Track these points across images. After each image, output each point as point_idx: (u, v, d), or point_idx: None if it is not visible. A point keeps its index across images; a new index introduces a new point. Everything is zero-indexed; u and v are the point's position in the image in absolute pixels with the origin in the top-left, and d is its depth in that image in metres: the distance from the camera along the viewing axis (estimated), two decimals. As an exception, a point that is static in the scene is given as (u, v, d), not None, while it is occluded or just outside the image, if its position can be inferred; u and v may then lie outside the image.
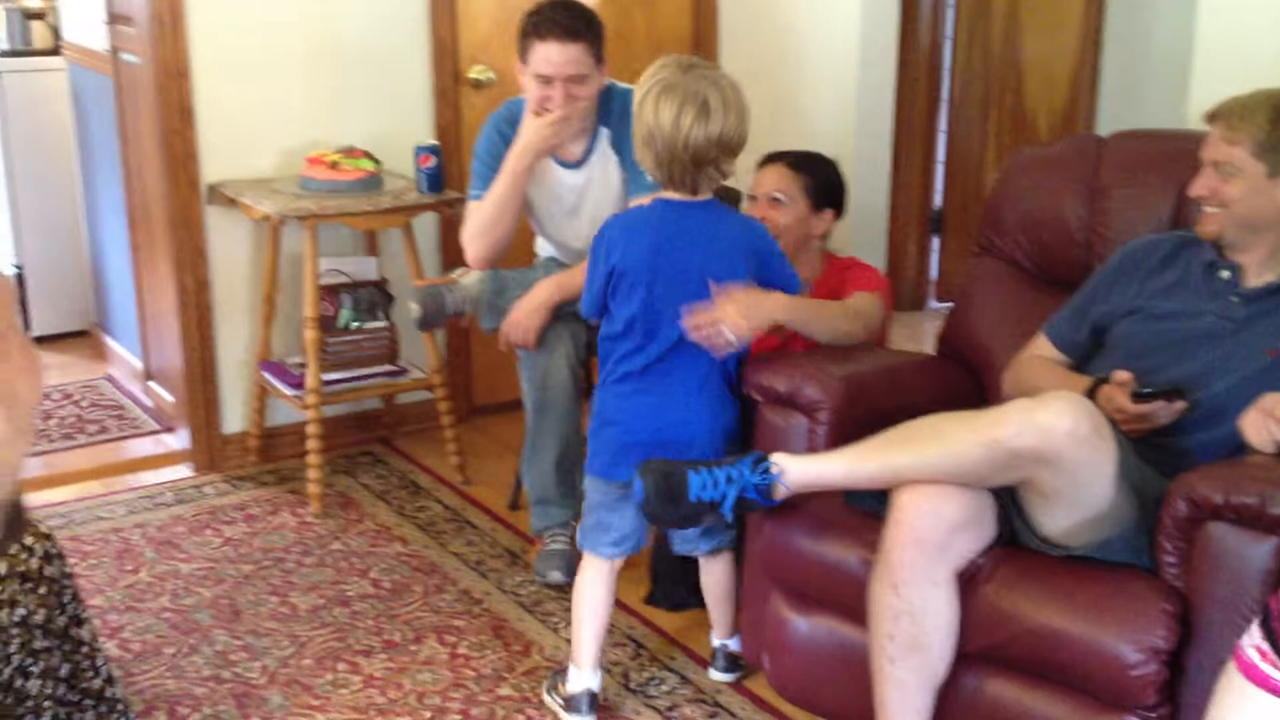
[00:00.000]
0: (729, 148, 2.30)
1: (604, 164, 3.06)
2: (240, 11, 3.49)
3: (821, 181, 2.89)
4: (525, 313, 2.95)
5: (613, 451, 2.44)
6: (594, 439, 2.50)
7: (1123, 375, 2.20)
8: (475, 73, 3.86)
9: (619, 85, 3.05)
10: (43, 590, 1.93)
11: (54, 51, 4.68)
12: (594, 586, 2.52)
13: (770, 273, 2.43)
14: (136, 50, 3.57)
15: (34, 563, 1.92)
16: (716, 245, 2.36)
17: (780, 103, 4.27)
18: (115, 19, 3.72)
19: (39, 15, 4.78)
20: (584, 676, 2.51)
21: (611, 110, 3.02)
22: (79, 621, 2.03)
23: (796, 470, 2.19)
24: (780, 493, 2.19)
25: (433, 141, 3.57)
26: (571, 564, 3.01)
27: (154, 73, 3.41)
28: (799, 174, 2.87)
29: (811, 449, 2.35)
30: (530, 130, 2.95)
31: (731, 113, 2.28)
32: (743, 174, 2.74)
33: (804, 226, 2.86)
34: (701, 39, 4.26)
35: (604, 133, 3.04)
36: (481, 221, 3.04)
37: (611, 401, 2.45)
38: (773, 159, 2.94)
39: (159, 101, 3.43)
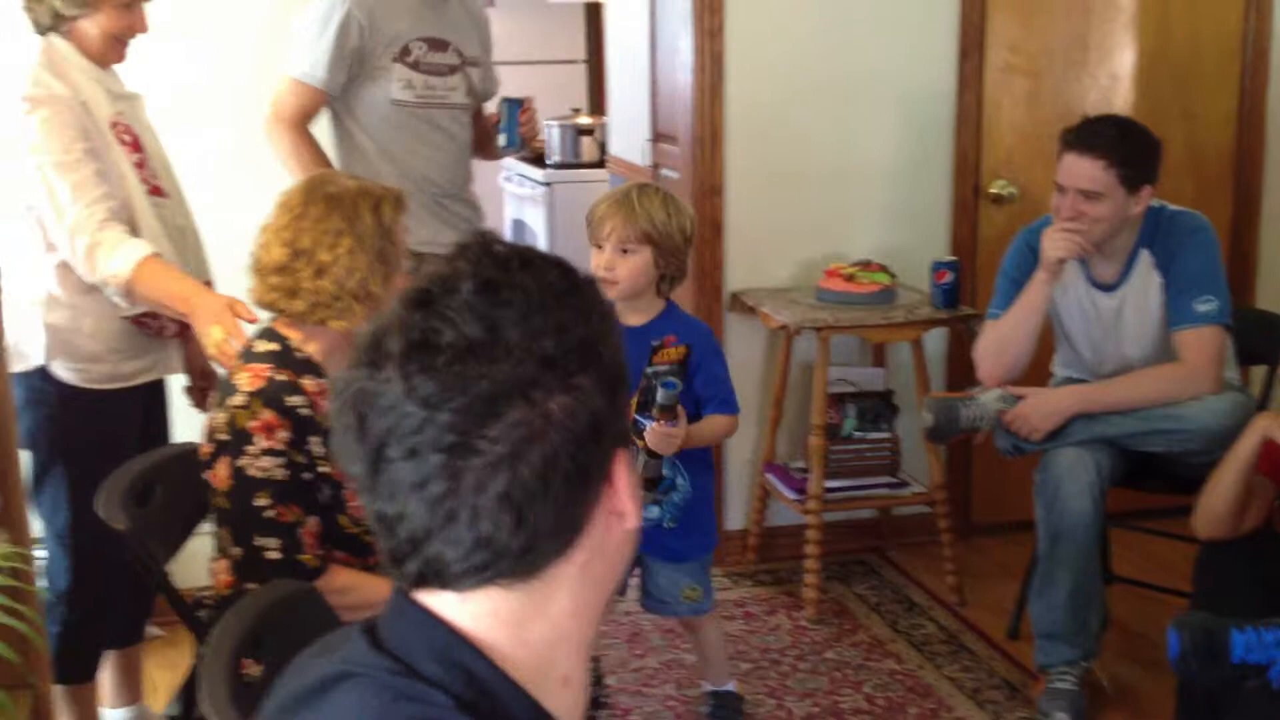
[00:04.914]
0: None
1: (1144, 286, 2.95)
2: (773, 132, 3.67)
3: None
4: (1040, 414, 2.89)
5: None
6: None
7: None
8: (996, 188, 3.82)
9: (1169, 207, 2.96)
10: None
11: (599, 164, 5.19)
12: None
13: None
14: (677, 166, 3.86)
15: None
16: None
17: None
18: (659, 137, 4.06)
19: (589, 131, 5.38)
20: None
21: (1157, 231, 2.93)
22: (596, 704, 2.17)
23: (1364, 643, 1.96)
24: (1342, 666, 1.97)
25: (951, 257, 3.56)
26: (1079, 707, 2.85)
27: (692, 188, 3.67)
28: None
29: (1380, 619, 2.09)
30: (1045, 241, 2.91)
31: None
32: None
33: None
34: (1246, 155, 3.96)
35: (1143, 254, 2.93)
36: (998, 338, 3.00)
37: None
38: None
39: (695, 214, 3.65)
